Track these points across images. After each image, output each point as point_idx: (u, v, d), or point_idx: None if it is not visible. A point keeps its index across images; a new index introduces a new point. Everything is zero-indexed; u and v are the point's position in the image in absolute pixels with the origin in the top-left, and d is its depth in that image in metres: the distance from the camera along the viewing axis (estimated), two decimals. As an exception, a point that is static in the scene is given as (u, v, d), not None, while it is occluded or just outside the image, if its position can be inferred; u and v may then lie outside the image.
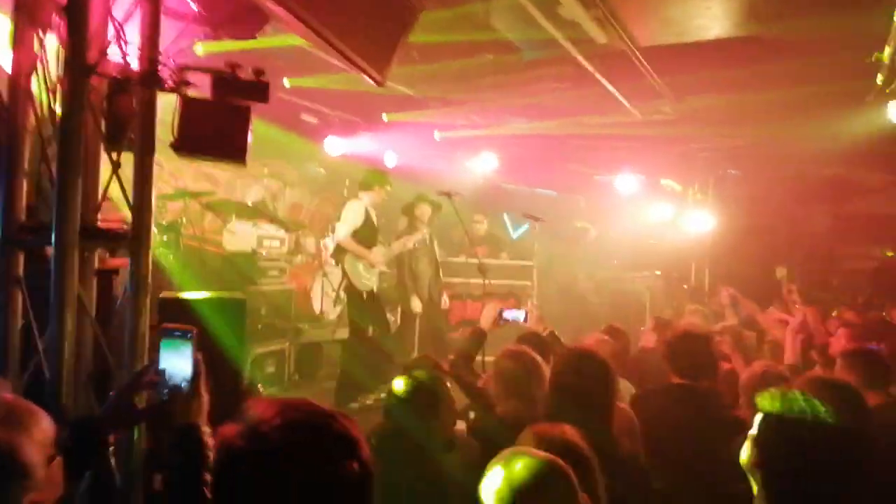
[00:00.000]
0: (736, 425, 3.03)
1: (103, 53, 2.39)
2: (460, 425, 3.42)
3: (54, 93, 2.40)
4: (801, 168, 10.13)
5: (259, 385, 5.98)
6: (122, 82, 2.46)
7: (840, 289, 9.52)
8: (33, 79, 2.40)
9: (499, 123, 9.24)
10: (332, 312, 7.64)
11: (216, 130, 2.54)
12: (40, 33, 2.40)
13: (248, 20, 2.56)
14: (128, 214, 2.46)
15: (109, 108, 2.49)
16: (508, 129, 9.31)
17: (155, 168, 2.48)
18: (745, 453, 1.84)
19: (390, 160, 9.00)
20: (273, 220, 7.44)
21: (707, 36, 5.71)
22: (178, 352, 1.85)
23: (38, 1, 2.40)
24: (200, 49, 3.36)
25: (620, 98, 7.13)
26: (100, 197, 2.51)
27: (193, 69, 2.51)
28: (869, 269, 10.23)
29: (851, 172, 10.51)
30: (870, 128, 7.17)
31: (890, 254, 10.47)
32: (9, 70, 2.40)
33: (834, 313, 6.68)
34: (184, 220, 6.34)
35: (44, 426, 1.41)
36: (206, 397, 1.87)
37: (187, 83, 2.51)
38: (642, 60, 6.10)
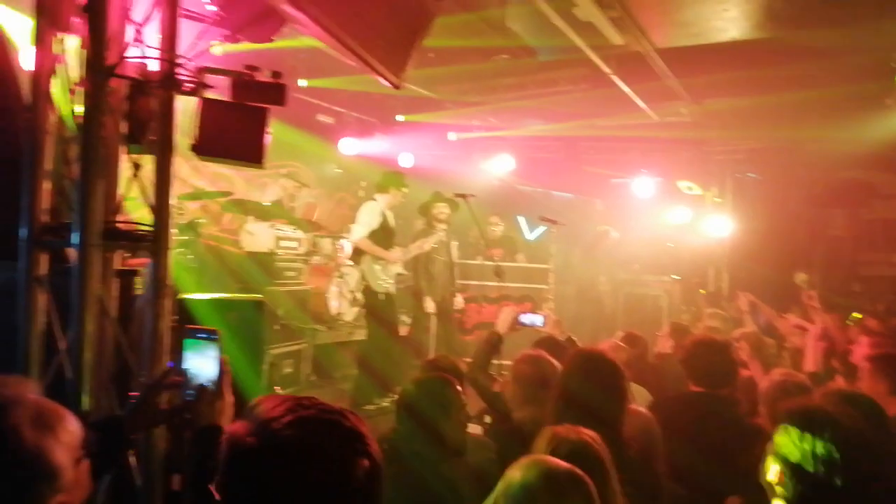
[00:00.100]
0: (755, 434, 2.99)
1: (123, 55, 2.41)
2: (474, 428, 3.41)
3: (75, 94, 2.42)
4: (821, 172, 10.02)
5: (276, 387, 6.00)
6: (141, 84, 2.48)
7: (861, 295, 9.39)
8: (54, 80, 2.41)
9: (515, 125, 9.23)
10: (349, 314, 7.65)
11: (234, 132, 2.55)
12: (61, 35, 2.41)
13: (266, 23, 2.57)
14: (144, 216, 2.47)
15: (129, 110, 2.51)
16: (524, 130, 9.29)
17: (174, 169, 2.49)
18: (770, 472, 1.81)
19: (405, 161, 9.01)
20: (290, 220, 7.46)
21: (724, 38, 5.66)
22: (203, 353, 1.87)
23: (59, 2, 2.42)
24: (219, 50, 3.37)
25: (637, 100, 7.09)
26: (119, 198, 2.53)
27: (212, 71, 2.52)
28: (890, 275, 10.08)
29: (872, 176, 10.40)
30: (890, 131, 7.07)
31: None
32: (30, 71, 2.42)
33: (852, 317, 6.60)
34: (202, 220, 6.38)
35: (71, 428, 1.42)
36: (230, 399, 1.88)
37: (206, 85, 2.52)
38: (659, 62, 6.07)
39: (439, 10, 2.98)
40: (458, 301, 7.47)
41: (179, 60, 2.42)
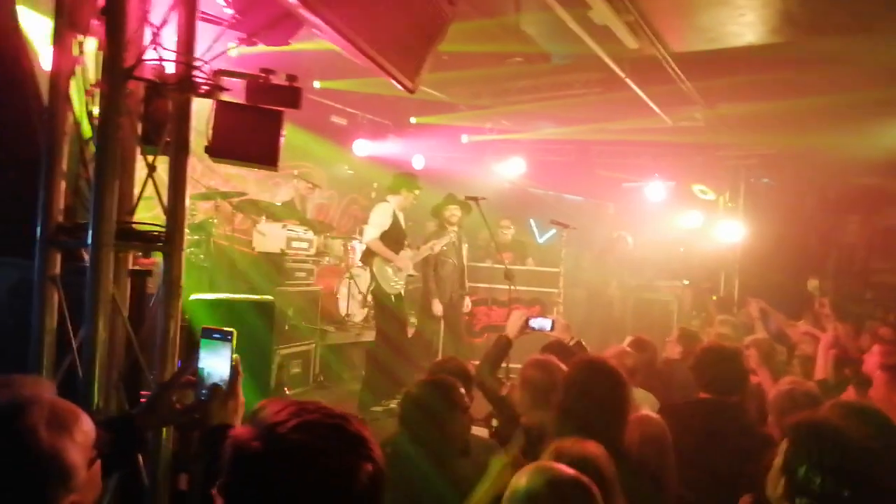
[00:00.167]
0: (763, 443, 2.98)
1: (140, 57, 2.43)
2: (481, 432, 3.42)
3: (92, 96, 2.44)
4: (834, 178, 9.95)
5: (285, 387, 6.03)
6: (158, 86, 2.50)
7: (873, 303, 9.31)
8: (72, 81, 2.44)
9: (527, 128, 9.23)
10: (359, 315, 7.67)
11: (249, 134, 2.56)
12: (80, 37, 2.44)
13: (283, 27, 2.59)
14: (158, 216, 2.49)
15: (146, 111, 2.53)
16: (537, 133, 9.29)
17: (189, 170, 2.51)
18: (776, 486, 1.80)
19: (418, 163, 9.03)
20: (302, 221, 7.49)
21: (741, 43, 5.64)
22: (217, 353, 1.89)
23: (78, 4, 2.44)
24: (235, 52, 3.39)
25: (651, 104, 7.07)
26: (134, 199, 2.55)
27: (228, 74, 2.54)
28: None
29: (886, 183, 10.30)
30: (906, 138, 7.03)
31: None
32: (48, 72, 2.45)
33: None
34: (214, 220, 6.42)
35: (86, 428, 1.43)
36: (242, 399, 1.90)
37: (222, 88, 2.54)
38: (674, 66, 6.05)
39: (455, 15, 2.98)
40: (466, 304, 7.48)
41: (196, 63, 2.44)
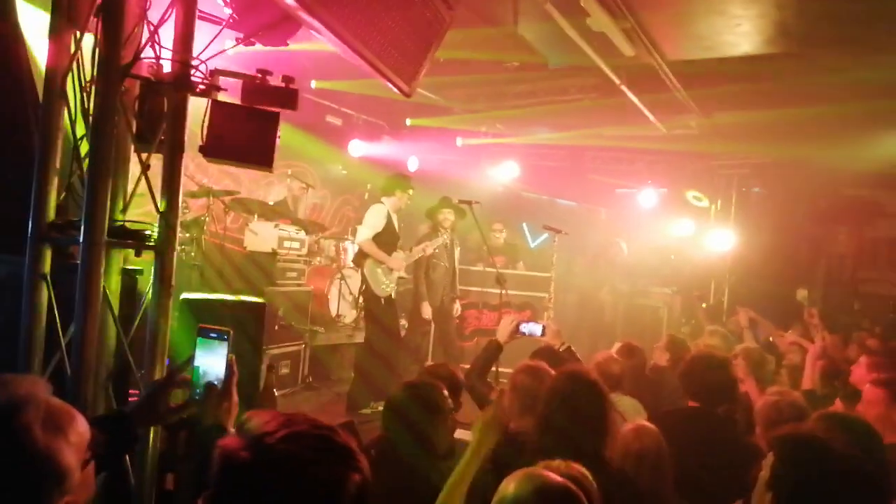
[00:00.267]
0: (750, 453, 3.00)
1: (137, 55, 2.42)
2: (468, 435, 3.42)
3: (88, 93, 2.43)
4: (826, 188, 10.03)
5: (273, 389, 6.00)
6: (154, 84, 2.49)
7: (861, 313, 9.39)
8: (68, 78, 2.42)
9: (522, 132, 9.25)
10: (349, 316, 7.66)
11: (245, 135, 2.55)
12: (77, 34, 2.42)
13: (281, 28, 2.58)
14: (150, 212, 2.48)
15: (141, 110, 2.52)
16: (531, 138, 9.31)
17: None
18: (762, 501, 1.81)
19: (412, 165, 9.03)
20: (294, 221, 7.48)
21: (736, 52, 5.67)
22: (213, 352, 1.89)
23: (76, 1, 2.43)
24: (230, 51, 3.39)
25: (646, 111, 7.11)
26: (128, 197, 2.54)
27: (225, 74, 2.53)
28: (891, 294, 10.08)
29: (877, 195, 10.40)
30: (897, 150, 7.09)
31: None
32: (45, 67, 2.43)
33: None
34: (206, 217, 6.40)
35: (81, 429, 1.42)
36: (236, 399, 1.90)
37: (218, 87, 2.53)
38: (669, 74, 6.08)
39: (453, 20, 2.99)
40: (457, 307, 7.49)
41: (193, 62, 2.43)
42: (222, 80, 2.54)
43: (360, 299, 7.24)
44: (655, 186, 9.82)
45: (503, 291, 6.53)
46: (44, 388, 1.43)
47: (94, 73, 2.37)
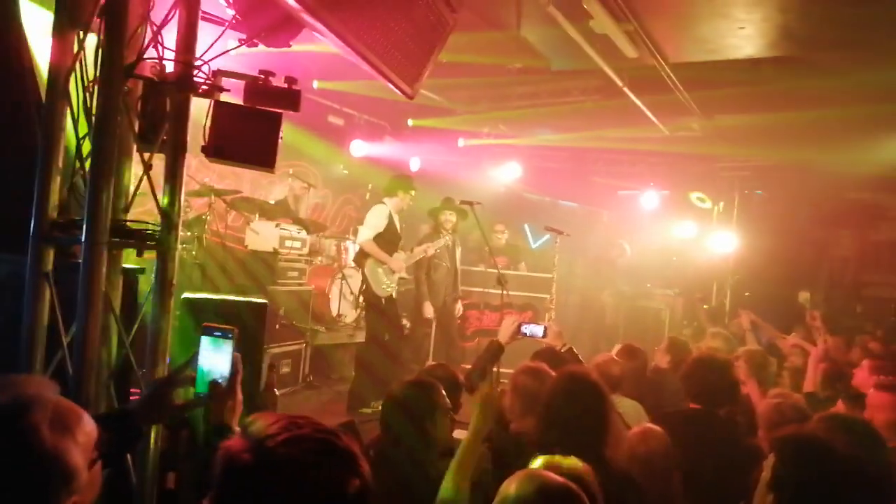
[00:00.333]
0: (752, 455, 3.00)
1: (140, 55, 2.42)
2: (463, 435, 3.41)
3: (90, 92, 2.43)
4: (828, 191, 10.01)
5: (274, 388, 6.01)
6: (157, 84, 2.49)
7: (864, 316, 9.38)
8: (70, 78, 2.42)
9: (524, 133, 9.24)
10: (350, 315, 7.67)
11: (247, 136, 2.55)
12: (80, 34, 2.43)
13: (284, 29, 2.58)
14: (151, 210, 2.49)
15: (143, 110, 2.52)
16: (533, 139, 9.31)
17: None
18: (764, 502, 1.81)
19: (414, 165, 9.03)
20: (295, 220, 7.48)
21: (739, 55, 5.67)
22: (219, 350, 1.89)
23: (80, 1, 2.43)
24: (233, 51, 3.39)
25: (648, 113, 7.10)
26: (129, 196, 2.54)
27: (227, 74, 2.54)
28: (893, 297, 10.07)
29: (879, 198, 10.38)
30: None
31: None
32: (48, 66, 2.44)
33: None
34: (208, 216, 6.40)
35: (88, 429, 1.42)
36: (240, 398, 1.90)
37: (221, 88, 2.53)
38: (672, 76, 6.08)
39: (457, 22, 2.99)
40: (458, 308, 7.48)
41: (196, 63, 2.44)
42: (225, 81, 2.55)
43: (361, 299, 7.24)
44: (657, 188, 9.82)
45: (505, 292, 6.53)
46: (51, 389, 1.43)
47: (97, 73, 2.37)
